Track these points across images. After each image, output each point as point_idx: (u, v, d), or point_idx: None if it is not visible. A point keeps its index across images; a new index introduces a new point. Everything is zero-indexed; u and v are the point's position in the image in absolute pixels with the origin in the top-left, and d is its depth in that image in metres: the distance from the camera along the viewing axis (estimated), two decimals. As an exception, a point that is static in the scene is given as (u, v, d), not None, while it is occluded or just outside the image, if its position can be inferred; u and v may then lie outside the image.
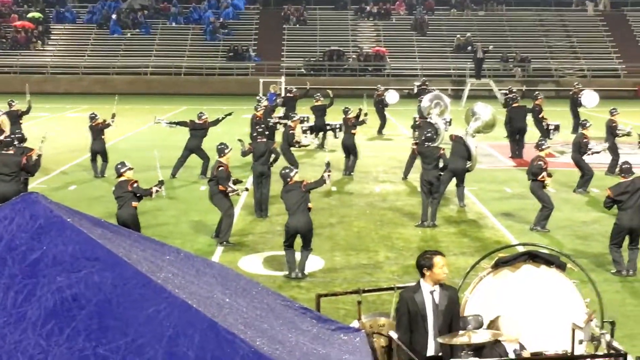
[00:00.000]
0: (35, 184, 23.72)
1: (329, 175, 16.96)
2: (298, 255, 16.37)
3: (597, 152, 24.13)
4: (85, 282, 4.86)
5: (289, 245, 16.36)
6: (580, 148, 23.66)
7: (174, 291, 4.90)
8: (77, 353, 4.59)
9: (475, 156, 22.78)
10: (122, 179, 16.83)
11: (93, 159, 26.52)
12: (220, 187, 18.23)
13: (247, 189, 20.69)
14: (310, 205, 16.35)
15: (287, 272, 16.39)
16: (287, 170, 16.57)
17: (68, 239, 5.03)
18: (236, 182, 18.68)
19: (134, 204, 16.59)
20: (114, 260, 4.98)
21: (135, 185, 16.62)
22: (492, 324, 9.14)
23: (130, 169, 16.93)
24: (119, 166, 17.00)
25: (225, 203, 18.44)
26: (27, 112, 31.01)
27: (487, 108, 25.50)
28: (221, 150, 18.90)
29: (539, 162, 19.41)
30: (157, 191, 17.01)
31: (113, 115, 26.87)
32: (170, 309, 4.78)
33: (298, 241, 16.28)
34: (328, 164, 17.19)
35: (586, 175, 24.02)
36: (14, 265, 4.93)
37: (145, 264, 5.15)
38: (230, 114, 28.09)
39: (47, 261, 4.95)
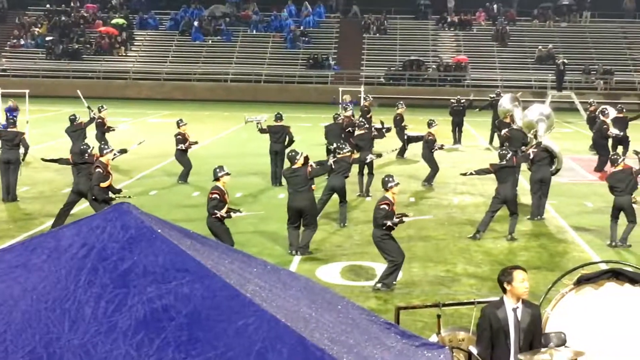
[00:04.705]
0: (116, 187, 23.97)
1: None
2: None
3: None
4: (175, 294, 4.92)
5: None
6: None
7: (262, 304, 4.94)
8: (167, 364, 4.64)
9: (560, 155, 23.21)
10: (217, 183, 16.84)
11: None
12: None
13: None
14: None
15: (365, 283, 16.44)
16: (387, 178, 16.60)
17: (158, 249, 5.10)
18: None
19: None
20: (204, 272, 5.03)
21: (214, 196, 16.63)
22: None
23: (227, 174, 16.90)
24: (217, 170, 17.00)
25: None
26: (89, 122, 28.99)
27: (533, 109, 26.23)
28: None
29: None
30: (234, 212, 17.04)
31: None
32: (259, 323, 4.81)
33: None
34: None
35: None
36: (105, 274, 5.01)
37: (234, 277, 5.19)
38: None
39: (138, 271, 5.02)
